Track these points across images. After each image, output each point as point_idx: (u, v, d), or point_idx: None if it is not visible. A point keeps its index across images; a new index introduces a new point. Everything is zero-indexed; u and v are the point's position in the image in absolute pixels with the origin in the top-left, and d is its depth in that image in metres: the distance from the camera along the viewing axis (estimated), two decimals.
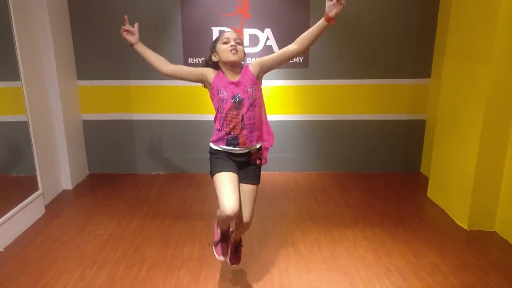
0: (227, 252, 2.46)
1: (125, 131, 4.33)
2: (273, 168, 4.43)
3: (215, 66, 2.20)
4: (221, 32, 2.25)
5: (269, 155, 4.30)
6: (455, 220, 3.30)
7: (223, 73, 2.17)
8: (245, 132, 2.17)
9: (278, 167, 4.44)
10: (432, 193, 3.74)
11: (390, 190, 3.98)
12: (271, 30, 4.01)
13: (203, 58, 2.26)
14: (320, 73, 4.17)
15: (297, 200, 3.73)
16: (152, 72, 4.13)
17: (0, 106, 3.16)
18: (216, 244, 2.45)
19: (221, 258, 2.43)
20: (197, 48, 4.06)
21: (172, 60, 4.25)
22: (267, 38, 4.04)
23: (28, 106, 3.24)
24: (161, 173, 4.44)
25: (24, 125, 3.26)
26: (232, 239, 2.52)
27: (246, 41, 4.04)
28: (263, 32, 4.02)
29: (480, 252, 2.84)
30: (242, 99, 2.13)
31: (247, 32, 4.01)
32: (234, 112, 2.14)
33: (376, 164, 4.46)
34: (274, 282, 2.51)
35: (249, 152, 2.24)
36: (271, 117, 4.28)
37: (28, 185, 3.34)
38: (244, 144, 2.19)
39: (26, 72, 3.22)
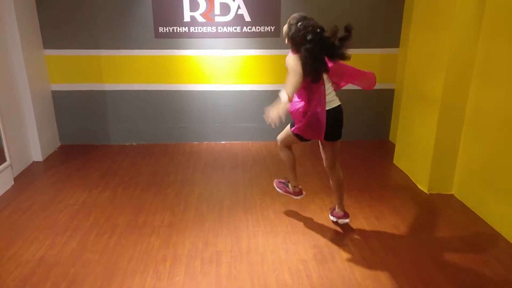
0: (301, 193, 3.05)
1: (97, 102, 4.28)
2: (246, 138, 4.49)
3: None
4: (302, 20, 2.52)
5: (242, 124, 4.38)
6: (417, 185, 3.45)
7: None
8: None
9: (251, 136, 4.49)
10: (398, 159, 3.88)
11: (359, 157, 4.10)
12: None
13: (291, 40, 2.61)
14: None
15: (269, 168, 3.82)
16: (123, 41, 4.07)
17: None
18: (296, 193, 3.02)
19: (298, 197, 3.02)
20: (168, 16, 3.98)
21: (142, 30, 4.18)
22: (238, 7, 3.99)
23: None
24: (134, 144, 4.43)
25: None
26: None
27: (217, 10, 3.99)
28: (234, 0, 3.97)
29: (436, 214, 3.01)
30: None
31: (218, 0, 3.95)
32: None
33: (346, 133, 4.50)
34: (242, 246, 2.61)
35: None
36: (244, 86, 4.30)
37: None
38: None
39: None
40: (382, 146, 4.44)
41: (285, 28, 2.53)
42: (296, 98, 2.58)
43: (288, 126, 2.75)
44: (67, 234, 2.72)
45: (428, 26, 3.26)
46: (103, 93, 4.25)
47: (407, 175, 3.66)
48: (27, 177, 3.60)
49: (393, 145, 4.38)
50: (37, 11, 3.90)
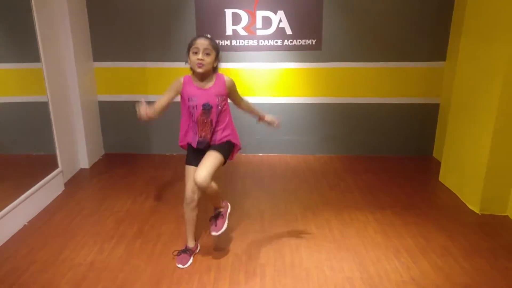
0: (187, 262, 2.53)
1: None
2: (285, 150, 4.48)
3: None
4: (194, 38, 2.34)
5: (281, 137, 4.38)
6: (466, 204, 3.32)
7: (192, 79, 2.37)
8: (214, 136, 2.44)
9: (290, 149, 4.48)
10: (444, 177, 3.75)
11: (402, 173, 4.00)
12: (284, 12, 4.00)
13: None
14: (333, 55, 4.16)
15: (308, 182, 3.79)
16: (168, 54, 4.19)
17: (21, 87, 3.25)
18: (178, 254, 2.58)
19: (179, 265, 2.50)
20: (210, 30, 4.07)
21: (186, 42, 4.25)
22: (280, 21, 4.03)
23: (48, 86, 3.33)
24: (174, 154, 4.52)
25: (43, 106, 3.36)
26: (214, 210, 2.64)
27: (259, 24, 4.04)
28: (276, 14, 4.01)
29: (491, 236, 2.86)
30: (212, 106, 2.34)
31: (260, 14, 4.01)
32: (204, 118, 2.36)
33: (388, 148, 4.48)
34: (285, 260, 2.58)
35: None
36: (284, 99, 4.31)
37: (48, 163, 3.45)
38: (215, 142, 2.46)
39: (45, 54, 3.30)
40: (425, 163, 4.31)
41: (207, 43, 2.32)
42: (224, 122, 2.48)
43: (217, 156, 2.40)
44: (114, 241, 2.79)
45: (481, 36, 3.16)
46: (146, 104, 4.35)
47: (454, 194, 3.52)
48: (75, 183, 3.74)
49: (438, 162, 4.25)
50: (89, 25, 4.09)
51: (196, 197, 2.50)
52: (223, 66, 4.19)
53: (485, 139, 3.08)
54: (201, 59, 2.25)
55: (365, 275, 2.43)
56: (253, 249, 2.70)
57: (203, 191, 2.40)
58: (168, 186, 3.70)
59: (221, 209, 2.61)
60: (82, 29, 3.97)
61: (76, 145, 3.99)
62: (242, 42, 4.09)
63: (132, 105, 4.32)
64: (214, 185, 2.41)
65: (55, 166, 3.49)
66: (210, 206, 2.67)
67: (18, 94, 3.19)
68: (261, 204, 3.35)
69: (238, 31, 4.07)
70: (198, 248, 2.70)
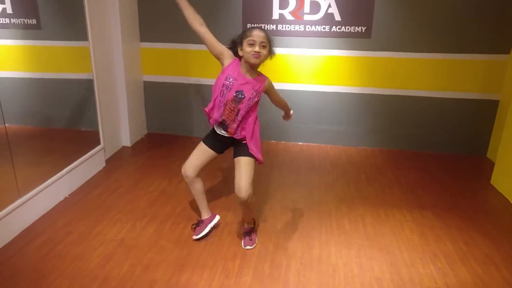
0: (201, 231, 2.63)
1: (183, 94, 4.45)
2: (325, 141, 4.35)
3: (238, 55, 2.32)
4: (249, 29, 2.26)
5: (321, 127, 4.25)
6: None
7: (240, 65, 2.30)
8: (234, 125, 2.36)
9: (331, 139, 4.34)
10: (497, 180, 3.46)
11: (449, 172, 3.74)
12: None
13: (233, 39, 2.37)
14: (383, 44, 3.93)
15: (347, 175, 3.65)
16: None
17: (69, 64, 3.37)
18: (194, 227, 2.70)
19: (195, 237, 2.61)
20: (256, 13, 3.99)
21: (231, 26, 4.29)
22: (329, 6, 3.85)
23: (94, 65, 3.43)
24: None
25: (89, 83, 3.47)
26: (245, 225, 2.65)
27: (307, 8, 3.89)
28: None
29: None
30: (244, 97, 2.28)
31: None
32: (233, 105, 2.30)
33: (437, 145, 4.20)
34: (313, 253, 2.51)
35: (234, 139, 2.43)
36: (327, 88, 4.16)
37: (91, 140, 3.58)
38: (231, 134, 2.40)
39: (93, 33, 3.39)
40: (477, 163, 4.00)
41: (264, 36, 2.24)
42: (246, 120, 2.39)
43: (248, 161, 2.38)
44: (146, 220, 2.85)
45: None
46: (188, 86, 4.40)
47: (506, 199, 3.25)
48: (116, 161, 3.87)
49: (491, 163, 3.94)
50: (138, 5, 4.15)
51: (190, 175, 2.58)
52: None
53: None
54: (258, 52, 2.19)
55: (395, 277, 2.31)
56: (281, 239, 2.65)
57: (244, 202, 2.36)
58: (204, 168, 3.70)
59: (253, 226, 2.67)
60: (131, 9, 4.04)
61: (119, 123, 4.12)
62: (288, 27, 3.97)
63: (174, 86, 4.42)
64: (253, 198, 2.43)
65: (98, 142, 3.61)
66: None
67: (66, 70, 3.31)
68: (295, 194, 3.28)
69: (285, 15, 3.94)
70: (217, 217, 2.74)
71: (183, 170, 2.57)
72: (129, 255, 2.46)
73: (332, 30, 3.93)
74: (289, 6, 3.91)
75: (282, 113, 2.77)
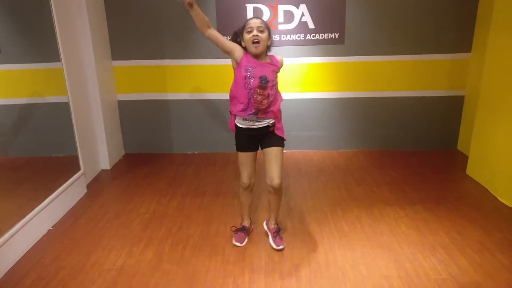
0: (243, 240, 2.72)
1: (160, 111, 4.35)
2: (308, 147, 4.41)
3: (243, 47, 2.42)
4: (245, 21, 2.39)
5: (304, 133, 4.31)
6: (497, 197, 3.23)
7: (249, 55, 2.39)
8: (269, 109, 2.44)
9: (314, 145, 4.41)
10: (472, 170, 3.66)
11: (428, 167, 3.91)
12: (306, 6, 3.91)
13: (235, 31, 2.46)
14: (356, 49, 4.07)
15: (335, 178, 3.71)
16: (187, 51, 4.13)
17: (41, 88, 3.20)
18: (236, 231, 2.77)
19: (237, 243, 2.69)
20: (231, 25, 3.98)
21: (206, 39, 4.24)
22: (302, 14, 3.94)
23: (68, 86, 3.28)
24: (196, 152, 4.47)
25: (62, 106, 3.31)
26: (270, 223, 2.75)
27: (281, 18, 3.96)
28: (298, 8, 3.92)
29: None
30: (268, 80, 2.36)
31: (281, 8, 3.92)
32: (260, 90, 2.35)
33: (412, 142, 4.38)
34: (319, 259, 2.52)
35: (266, 126, 2.48)
36: (306, 94, 4.24)
37: (69, 165, 3.41)
38: (264, 115, 2.44)
39: (65, 53, 3.24)
40: (450, 156, 4.22)
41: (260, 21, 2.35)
42: (276, 98, 2.49)
43: (280, 151, 2.52)
44: (143, 244, 2.74)
45: None
46: (166, 102, 4.32)
47: (484, 187, 3.44)
48: (97, 185, 3.71)
49: (463, 155, 4.17)
50: (107, 23, 4.04)
51: (252, 181, 2.64)
52: None
53: None
54: (256, 35, 2.29)
55: (402, 274, 2.37)
56: (285, 249, 2.64)
57: (277, 189, 2.52)
58: (191, 185, 3.65)
59: (278, 225, 2.76)
60: (101, 27, 3.92)
61: (97, 146, 3.96)
62: None
63: (151, 103, 4.31)
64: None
65: (77, 168, 3.45)
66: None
67: (36, 95, 3.14)
68: (289, 202, 3.29)
69: None
70: (253, 226, 2.88)
71: (247, 182, 2.61)
72: (132, 283, 2.34)
73: (306, 38, 4.01)
74: (263, 17, 3.95)
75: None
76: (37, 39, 3.12)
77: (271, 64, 2.42)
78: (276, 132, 2.52)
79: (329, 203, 3.24)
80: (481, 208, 3.10)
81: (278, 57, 2.49)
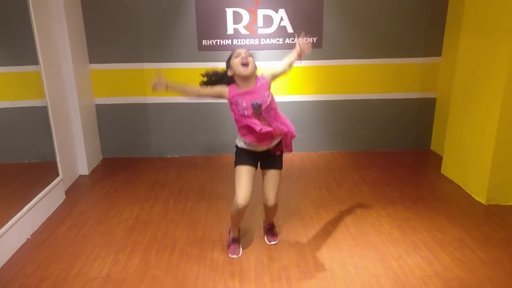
0: (239, 252, 2.65)
1: (138, 115, 4.28)
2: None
3: (231, 80, 2.39)
4: (232, 52, 2.42)
5: None
6: (472, 195, 3.38)
7: (237, 85, 2.38)
8: (265, 123, 2.38)
9: (293, 147, 4.44)
10: (447, 169, 3.81)
11: (404, 167, 4.04)
12: (285, 10, 3.97)
13: (216, 72, 2.48)
14: (333, 53, 4.16)
15: (316, 180, 3.77)
16: (167, 54, 4.08)
17: (17, 91, 3.08)
18: (228, 246, 2.69)
19: (234, 256, 2.62)
20: (211, 29, 3.99)
21: (186, 42, 4.32)
22: (281, 19, 3.99)
23: (47, 90, 3.18)
24: (176, 156, 4.42)
25: (38, 110, 3.20)
26: (265, 222, 2.81)
27: (260, 22, 3.99)
28: (277, 12, 3.97)
29: (501, 226, 2.92)
30: (260, 103, 2.34)
31: (261, 12, 3.96)
32: (256, 119, 2.34)
33: (388, 142, 4.52)
34: (308, 261, 2.56)
35: (267, 150, 2.50)
36: (285, 97, 4.28)
37: (46, 171, 3.30)
38: (266, 142, 2.44)
39: (43, 56, 3.14)
40: (425, 156, 4.38)
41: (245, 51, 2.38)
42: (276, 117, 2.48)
43: (278, 174, 2.56)
44: (128, 250, 2.69)
45: (482, 32, 3.21)
46: (145, 106, 4.26)
47: (458, 185, 3.59)
48: (76, 191, 3.60)
49: (436, 154, 4.34)
50: (84, 27, 3.94)
51: (247, 202, 2.42)
52: (224, 65, 4.17)
53: (489, 130, 3.14)
54: (245, 57, 2.30)
55: (389, 272, 2.44)
56: (273, 251, 2.67)
57: (272, 208, 2.58)
58: (174, 189, 3.61)
59: (273, 223, 2.82)
60: (78, 30, 3.82)
61: (75, 151, 3.84)
62: (243, 41, 4.03)
63: (130, 107, 4.23)
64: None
65: (55, 174, 3.34)
66: None
67: (13, 98, 3.02)
68: None
69: (240, 30, 4.00)
70: (241, 233, 2.81)
71: (241, 202, 2.38)
72: None
73: (285, 42, 4.06)
74: (243, 21, 3.97)
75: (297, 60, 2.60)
76: (15, 42, 3.01)
77: (259, 85, 2.37)
78: (276, 161, 2.55)
79: (313, 205, 3.29)
80: (457, 206, 3.23)
81: (263, 73, 2.43)
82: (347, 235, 2.85)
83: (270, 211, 2.64)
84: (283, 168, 2.62)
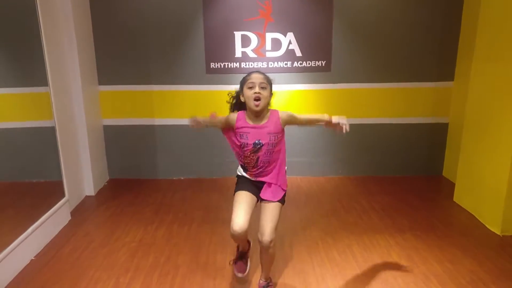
0: (245, 269, 2.48)
1: (145, 136, 4.30)
2: (295, 173, 4.40)
3: (243, 105, 2.29)
4: (248, 74, 2.28)
5: (291, 159, 4.28)
6: (486, 225, 3.26)
7: (246, 116, 2.28)
8: (254, 170, 2.32)
9: (300, 171, 4.40)
10: (459, 197, 3.70)
11: (415, 194, 3.94)
12: (294, 34, 3.99)
13: (232, 95, 2.41)
14: (342, 76, 4.14)
15: (323, 205, 3.70)
16: (175, 77, 4.12)
17: (26, 112, 3.12)
18: (235, 262, 2.50)
19: (239, 275, 2.45)
20: (219, 52, 4.03)
21: (194, 65, 4.34)
22: (290, 42, 4.01)
23: (55, 111, 3.21)
24: (182, 178, 4.40)
25: (46, 131, 3.23)
26: (261, 277, 2.47)
27: (268, 46, 4.02)
28: (285, 36, 4.00)
29: None
30: (262, 145, 2.24)
31: (269, 36, 3.99)
32: (252, 155, 2.27)
33: (397, 168, 4.43)
34: None
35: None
36: None
37: (52, 192, 3.30)
38: (256, 177, 2.34)
39: (53, 78, 3.20)
40: (436, 182, 4.27)
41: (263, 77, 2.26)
42: (276, 161, 2.33)
43: (278, 207, 2.30)
44: (130, 275, 2.64)
45: (494, 57, 3.16)
46: (152, 127, 4.28)
47: (472, 214, 3.47)
48: (82, 212, 3.59)
49: (448, 181, 4.23)
50: (95, 48, 4.01)
51: (243, 229, 2.17)
52: (232, 88, 4.18)
53: (504, 157, 3.05)
54: (258, 92, 2.17)
55: None
56: (276, 278, 2.59)
57: (266, 247, 2.22)
58: (179, 212, 3.57)
59: (270, 281, 2.48)
60: (88, 52, 3.89)
61: (82, 172, 3.86)
62: (251, 64, 4.05)
63: (137, 128, 4.26)
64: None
65: (61, 194, 3.34)
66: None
67: (21, 119, 3.05)
68: (279, 230, 3.21)
69: (248, 53, 4.03)
70: (251, 243, 2.60)
71: (237, 228, 2.15)
72: None
73: (294, 66, 4.07)
74: (251, 44, 4.00)
75: (323, 125, 2.39)
76: (25, 63, 3.07)
77: (269, 122, 2.25)
78: (271, 194, 2.31)
79: (319, 231, 3.21)
80: (470, 236, 3.12)
81: (281, 113, 2.28)
82: (354, 264, 2.76)
83: (265, 253, 2.27)
84: (286, 202, 2.42)
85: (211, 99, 4.16)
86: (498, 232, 3.13)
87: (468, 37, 3.86)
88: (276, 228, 2.24)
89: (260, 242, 2.22)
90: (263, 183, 2.34)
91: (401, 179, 4.35)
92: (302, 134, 4.28)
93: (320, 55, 4.04)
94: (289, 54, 4.04)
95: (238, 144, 2.29)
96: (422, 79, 4.18)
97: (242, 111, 2.31)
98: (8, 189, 2.96)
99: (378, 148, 4.37)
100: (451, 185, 3.94)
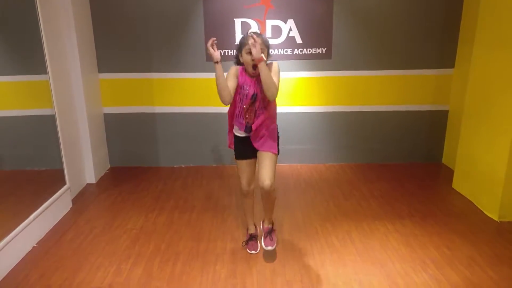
0: (257, 247, 2.80)
1: (146, 124, 4.31)
2: (295, 160, 4.42)
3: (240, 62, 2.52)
4: (246, 37, 2.40)
5: (291, 146, 4.32)
6: (484, 211, 3.29)
7: (245, 69, 2.49)
8: (260, 123, 2.50)
9: (301, 159, 4.42)
10: (458, 184, 3.72)
11: (414, 181, 3.96)
12: (294, 21, 3.96)
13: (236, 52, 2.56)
14: (343, 64, 4.13)
15: (323, 192, 3.72)
16: (175, 64, 4.11)
17: (26, 100, 3.12)
18: (247, 243, 2.83)
19: (252, 252, 2.76)
20: (220, 40, 3.97)
21: (194, 53, 4.29)
22: (290, 29, 3.98)
23: (55, 99, 3.22)
24: (183, 166, 4.42)
25: (47, 119, 3.24)
26: (264, 222, 2.78)
27: (269, 32, 3.99)
28: (285, 23, 3.97)
29: None
30: (256, 95, 2.45)
31: (269, 23, 3.96)
32: (251, 107, 2.47)
33: (397, 155, 4.44)
34: (311, 275, 2.50)
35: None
36: (293, 108, 4.26)
37: (54, 180, 3.32)
38: (256, 131, 2.52)
39: (52, 66, 3.19)
40: (436, 169, 4.29)
41: (261, 42, 2.37)
42: (270, 109, 2.55)
43: (272, 156, 2.54)
44: (131, 261, 2.68)
45: (495, 44, 3.14)
46: (153, 115, 4.28)
47: (470, 201, 3.50)
48: (83, 200, 3.62)
49: (448, 168, 4.24)
50: (94, 36, 3.99)
51: (252, 188, 2.72)
52: None
53: (503, 145, 3.06)
54: (256, 58, 2.31)
55: None
56: (276, 265, 2.62)
57: (267, 192, 2.49)
58: (179, 200, 3.60)
59: (273, 225, 2.78)
60: (88, 40, 3.87)
61: (82, 160, 3.87)
62: None
63: (138, 116, 4.26)
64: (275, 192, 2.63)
65: (62, 182, 3.36)
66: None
67: (21, 107, 3.06)
68: (278, 217, 3.26)
69: None
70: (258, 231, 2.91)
71: (246, 188, 2.70)
72: None
73: (294, 53, 4.05)
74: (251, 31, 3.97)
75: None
76: (24, 51, 3.06)
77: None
78: (265, 145, 2.55)
79: (319, 218, 3.24)
80: (468, 222, 3.14)
81: (274, 64, 2.49)
82: (353, 250, 2.79)
83: (266, 198, 2.59)
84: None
85: (211, 87, 4.15)
86: (495, 218, 3.16)
87: (469, 24, 3.83)
88: (274, 175, 2.53)
89: (261, 188, 2.48)
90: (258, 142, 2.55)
91: (400, 166, 4.36)
92: (302, 122, 4.28)
93: (321, 42, 4.02)
94: (290, 41, 4.02)
95: (240, 97, 2.47)
96: (422, 66, 4.16)
97: (242, 66, 2.50)
98: (9, 177, 2.98)
99: (378, 135, 4.37)
100: (451, 172, 3.96)
